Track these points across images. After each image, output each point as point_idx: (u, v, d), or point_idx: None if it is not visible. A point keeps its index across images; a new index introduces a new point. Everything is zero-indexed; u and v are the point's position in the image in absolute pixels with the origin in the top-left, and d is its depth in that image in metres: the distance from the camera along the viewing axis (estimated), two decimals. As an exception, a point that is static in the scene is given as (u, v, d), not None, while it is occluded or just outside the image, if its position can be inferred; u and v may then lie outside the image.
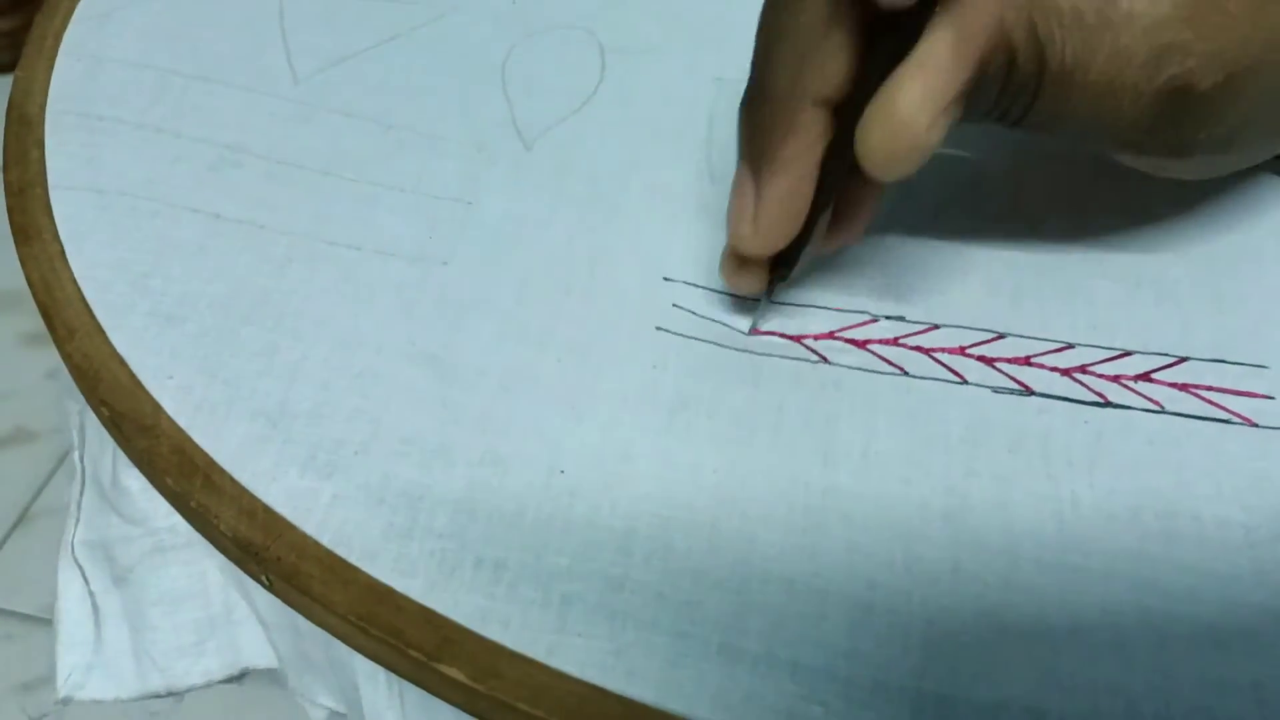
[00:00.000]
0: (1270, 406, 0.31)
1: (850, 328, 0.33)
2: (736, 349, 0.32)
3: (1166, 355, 0.32)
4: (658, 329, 0.33)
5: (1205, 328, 0.33)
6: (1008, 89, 0.27)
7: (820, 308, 0.33)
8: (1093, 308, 0.33)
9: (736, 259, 0.31)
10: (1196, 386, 0.31)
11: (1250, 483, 0.29)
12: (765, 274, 0.32)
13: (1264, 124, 0.29)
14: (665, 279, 0.34)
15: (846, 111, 0.28)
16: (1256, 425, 0.30)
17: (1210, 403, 0.31)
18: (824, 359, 0.32)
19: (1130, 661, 0.25)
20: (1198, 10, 0.26)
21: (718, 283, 0.33)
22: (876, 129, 0.26)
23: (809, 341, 0.33)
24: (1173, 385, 0.31)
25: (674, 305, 0.33)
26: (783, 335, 0.33)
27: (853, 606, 0.26)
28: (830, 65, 0.27)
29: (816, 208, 0.30)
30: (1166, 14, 0.25)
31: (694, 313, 0.33)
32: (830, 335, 0.33)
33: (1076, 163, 0.37)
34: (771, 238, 0.30)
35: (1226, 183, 0.37)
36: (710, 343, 0.32)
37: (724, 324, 0.33)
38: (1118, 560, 0.27)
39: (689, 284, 0.34)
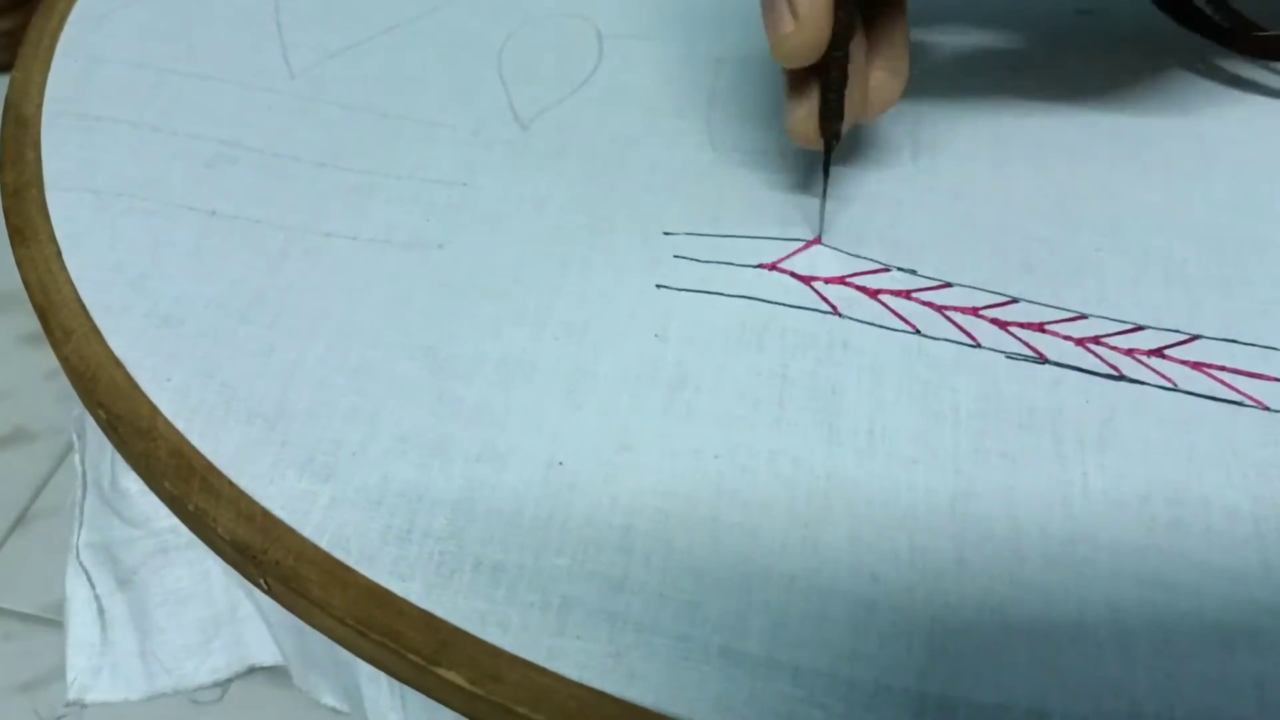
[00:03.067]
0: (1282, 391, 0.30)
1: (862, 274, 0.32)
2: (742, 296, 0.32)
3: (1179, 332, 0.31)
4: (659, 287, 0.33)
5: (1213, 309, 0.32)
6: None
7: (832, 248, 0.33)
8: (1101, 282, 0.33)
9: (789, 82, 0.30)
10: (1209, 366, 0.31)
11: (1260, 470, 0.28)
12: (816, 102, 0.30)
13: None
14: (665, 233, 0.34)
15: None
16: (1268, 409, 0.30)
17: (1222, 383, 0.30)
18: (835, 309, 0.32)
19: (1134, 660, 0.25)
20: None
21: (722, 229, 0.33)
22: None
23: (819, 285, 0.32)
24: (1185, 363, 0.31)
25: (675, 256, 0.33)
26: (794, 274, 0.32)
27: (855, 604, 0.26)
28: None
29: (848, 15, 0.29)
30: None
31: (697, 260, 0.33)
32: (841, 280, 0.32)
33: (1087, 139, 0.37)
34: (813, 27, 0.28)
35: (1228, 167, 0.36)
36: (714, 293, 0.32)
37: (730, 263, 0.33)
38: (1124, 553, 0.27)
39: (691, 234, 0.34)
